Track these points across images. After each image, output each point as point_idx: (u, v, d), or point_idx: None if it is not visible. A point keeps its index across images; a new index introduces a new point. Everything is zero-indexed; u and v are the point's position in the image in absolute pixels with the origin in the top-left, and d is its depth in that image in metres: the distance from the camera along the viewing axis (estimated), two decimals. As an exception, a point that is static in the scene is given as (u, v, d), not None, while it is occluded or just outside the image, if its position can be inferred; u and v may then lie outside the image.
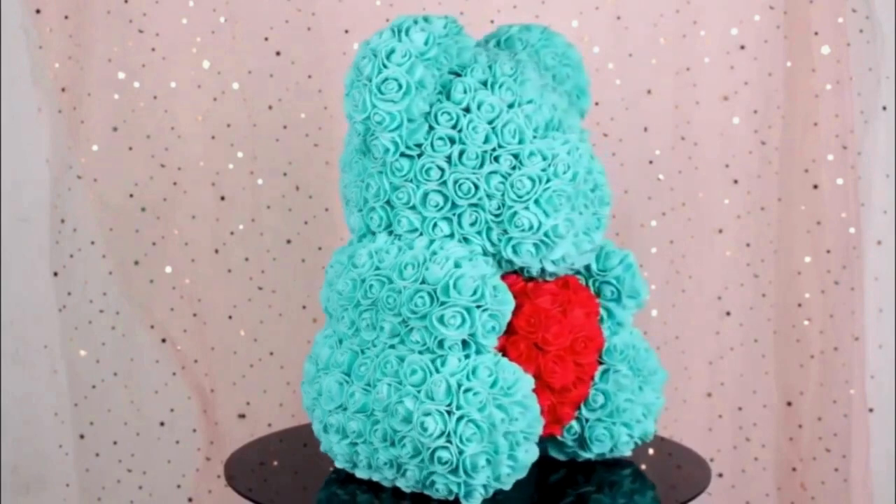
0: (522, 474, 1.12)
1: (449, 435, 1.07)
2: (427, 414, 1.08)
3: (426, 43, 1.13)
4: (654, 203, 1.79)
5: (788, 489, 1.80)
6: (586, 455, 1.24)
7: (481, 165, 1.14)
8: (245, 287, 1.78)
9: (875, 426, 1.78)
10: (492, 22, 1.71)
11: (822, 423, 1.76)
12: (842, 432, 1.75)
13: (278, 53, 1.74)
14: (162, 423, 1.79)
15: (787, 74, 1.74)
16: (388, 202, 1.18)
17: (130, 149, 1.73)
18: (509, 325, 1.15)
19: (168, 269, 1.77)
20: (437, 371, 1.10)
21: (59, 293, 1.74)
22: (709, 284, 1.80)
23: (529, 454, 1.12)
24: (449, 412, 1.08)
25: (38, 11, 1.68)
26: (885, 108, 1.74)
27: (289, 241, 1.78)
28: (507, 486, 1.12)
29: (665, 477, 1.30)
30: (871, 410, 1.78)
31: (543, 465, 1.24)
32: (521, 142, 1.14)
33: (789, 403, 1.79)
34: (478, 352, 1.11)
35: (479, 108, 1.15)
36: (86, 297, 1.75)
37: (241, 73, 1.74)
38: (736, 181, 1.78)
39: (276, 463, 1.34)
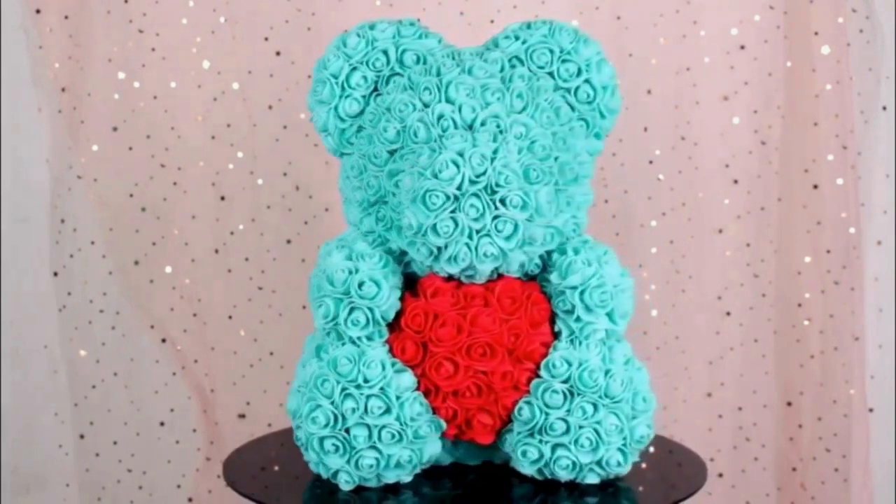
0: (406, 470, 1.15)
1: (302, 416, 1.14)
2: (291, 394, 1.17)
3: (357, 48, 1.19)
4: (654, 203, 1.79)
5: (788, 489, 1.80)
6: (524, 470, 1.17)
7: (386, 163, 1.16)
8: (245, 287, 1.78)
9: (875, 426, 1.78)
10: (492, 22, 1.71)
11: (822, 423, 1.76)
12: (842, 432, 1.75)
13: (278, 53, 1.74)
14: (162, 423, 1.79)
15: (787, 74, 1.74)
16: (346, 198, 1.25)
17: (130, 149, 1.73)
18: (399, 321, 1.16)
19: (168, 269, 1.77)
20: (318, 356, 1.16)
21: (59, 293, 1.74)
22: (709, 284, 1.80)
23: (409, 451, 1.13)
24: (304, 394, 1.15)
25: (38, 11, 1.68)
26: (885, 108, 1.74)
27: (289, 241, 1.78)
28: (390, 479, 1.15)
29: (663, 476, 1.30)
30: (871, 410, 1.78)
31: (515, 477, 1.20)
32: (426, 141, 1.13)
33: (789, 403, 1.79)
34: (353, 343, 1.14)
35: (396, 107, 1.16)
36: (86, 297, 1.75)
37: (241, 73, 1.74)
38: (736, 181, 1.77)
39: (275, 463, 1.34)
